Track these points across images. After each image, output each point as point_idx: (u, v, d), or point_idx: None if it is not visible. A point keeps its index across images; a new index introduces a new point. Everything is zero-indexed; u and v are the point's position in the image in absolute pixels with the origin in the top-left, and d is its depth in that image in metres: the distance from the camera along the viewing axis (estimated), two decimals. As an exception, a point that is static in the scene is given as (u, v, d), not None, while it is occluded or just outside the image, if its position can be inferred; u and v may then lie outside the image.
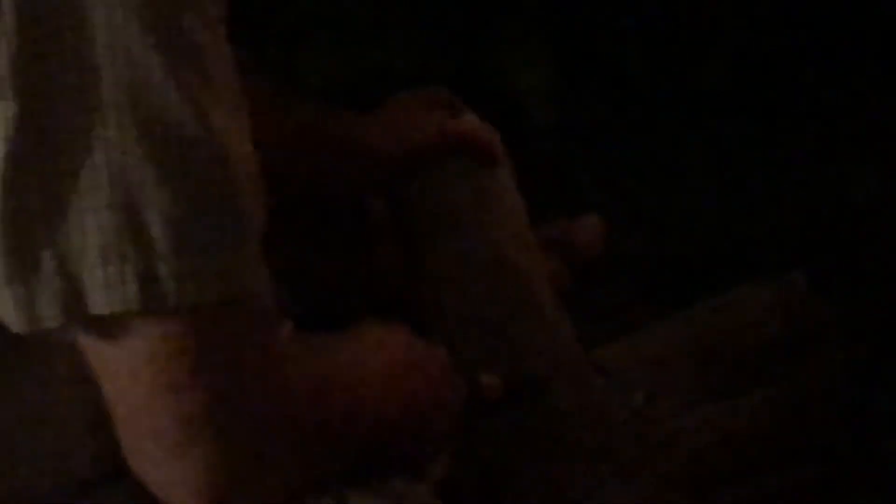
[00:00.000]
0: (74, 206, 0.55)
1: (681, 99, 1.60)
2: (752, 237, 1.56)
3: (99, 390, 0.61)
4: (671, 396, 1.16)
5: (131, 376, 0.58)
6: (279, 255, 0.70)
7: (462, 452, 0.87)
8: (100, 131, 0.55)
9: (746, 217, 1.58)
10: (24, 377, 0.67)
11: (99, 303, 0.54)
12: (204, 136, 0.58)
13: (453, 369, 0.80)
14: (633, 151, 1.60)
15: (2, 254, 0.54)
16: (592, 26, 1.65)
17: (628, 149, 1.61)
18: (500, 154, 0.92)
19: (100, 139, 0.55)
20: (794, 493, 0.94)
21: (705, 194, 1.58)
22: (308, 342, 0.75)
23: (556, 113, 1.58)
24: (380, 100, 0.91)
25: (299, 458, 0.68)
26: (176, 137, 0.58)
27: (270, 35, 1.59)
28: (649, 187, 1.62)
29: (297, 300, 0.90)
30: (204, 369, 0.58)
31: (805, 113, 1.60)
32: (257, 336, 0.62)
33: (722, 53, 1.60)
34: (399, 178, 0.92)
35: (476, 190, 0.91)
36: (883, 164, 1.60)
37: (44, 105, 0.55)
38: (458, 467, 0.85)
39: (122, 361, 0.59)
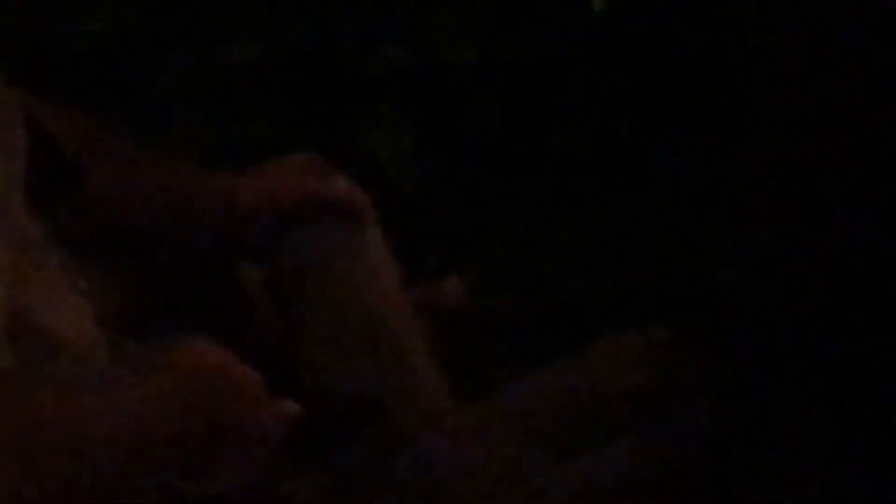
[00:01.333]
0: None
1: (541, 160, 1.63)
2: (614, 293, 1.54)
3: None
4: (540, 450, 1.21)
5: None
6: (157, 328, 0.81)
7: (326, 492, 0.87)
8: None
9: (609, 273, 1.57)
10: None
11: None
12: None
13: (268, 395, 0.78)
14: (495, 211, 1.61)
15: None
16: (453, 95, 1.66)
17: (490, 209, 1.61)
18: (370, 215, 0.93)
19: None
20: None
21: (567, 252, 1.60)
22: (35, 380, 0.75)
23: (416, 178, 1.56)
24: (253, 166, 0.94)
25: None
26: None
27: (150, 99, 1.57)
28: (510, 246, 1.60)
29: None
30: None
31: (663, 172, 1.63)
32: None
33: (578, 116, 1.64)
34: (270, 238, 0.93)
35: (347, 250, 0.92)
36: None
37: None
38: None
39: None
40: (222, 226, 0.95)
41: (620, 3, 1.66)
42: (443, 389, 0.94)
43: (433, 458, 0.93)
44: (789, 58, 1.12)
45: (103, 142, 1.02)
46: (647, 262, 1.56)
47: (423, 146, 1.62)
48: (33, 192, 0.89)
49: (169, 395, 0.74)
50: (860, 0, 1.03)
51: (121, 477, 0.73)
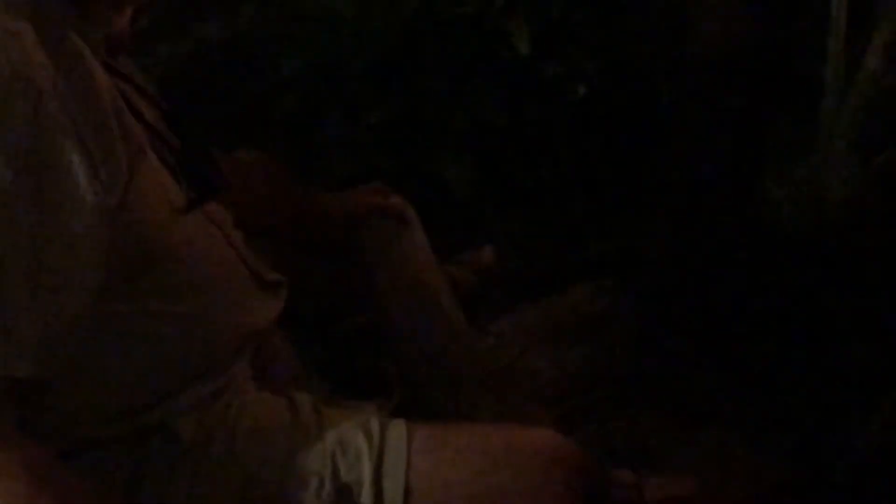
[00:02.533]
0: None
1: (543, 182, 2.20)
2: (583, 260, 2.02)
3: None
4: (531, 349, 1.68)
5: None
6: (301, 276, 1.20)
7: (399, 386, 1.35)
8: None
9: (580, 249, 2.06)
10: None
11: None
12: None
13: None
14: (514, 212, 2.15)
15: None
16: (509, 137, 2.18)
17: (512, 211, 2.15)
18: (411, 218, 1.45)
19: None
20: (603, 405, 1.64)
21: (555, 238, 2.12)
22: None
23: (471, 191, 2.10)
24: (348, 188, 1.50)
25: None
26: None
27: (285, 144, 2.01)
28: (521, 234, 2.10)
29: (306, 302, 1.30)
30: None
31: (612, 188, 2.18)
32: None
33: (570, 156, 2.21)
34: (349, 231, 1.43)
35: (399, 238, 1.42)
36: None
37: None
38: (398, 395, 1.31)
39: None
40: (340, 225, 1.46)
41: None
42: (461, 318, 1.49)
43: (458, 361, 1.46)
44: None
45: (275, 175, 1.50)
46: (602, 241, 2.05)
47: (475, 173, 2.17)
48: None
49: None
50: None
51: None
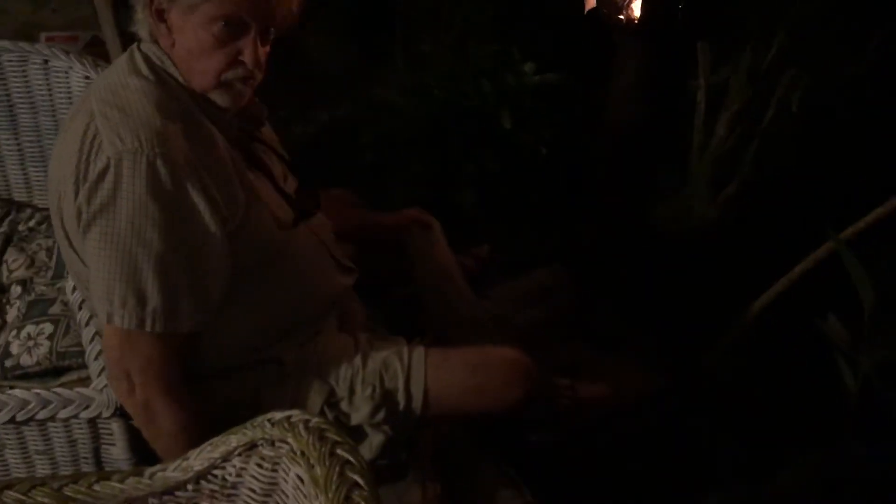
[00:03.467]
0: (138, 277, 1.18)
1: (525, 205, 2.63)
2: (549, 253, 2.35)
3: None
4: (510, 307, 2.10)
5: (109, 347, 1.26)
6: (368, 263, 1.60)
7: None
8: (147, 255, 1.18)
9: (548, 245, 2.38)
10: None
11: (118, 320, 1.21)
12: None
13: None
14: (505, 221, 2.49)
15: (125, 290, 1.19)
16: (499, 178, 2.50)
17: (503, 220, 2.49)
18: (436, 226, 1.77)
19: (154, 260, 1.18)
20: (552, 339, 2.04)
21: (531, 238, 2.56)
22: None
23: (475, 211, 2.48)
24: (399, 208, 1.81)
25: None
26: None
27: (362, 184, 2.09)
28: (510, 235, 2.40)
29: (371, 280, 1.60)
30: (128, 360, 1.24)
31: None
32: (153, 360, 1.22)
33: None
34: (399, 235, 1.75)
35: (429, 240, 1.73)
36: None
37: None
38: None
39: (111, 340, 1.25)
40: (392, 231, 1.77)
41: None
42: (468, 289, 1.77)
43: (466, 314, 1.74)
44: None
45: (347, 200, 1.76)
46: (554, 240, 2.44)
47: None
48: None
49: None
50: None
51: None
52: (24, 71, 1.81)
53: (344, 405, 1.37)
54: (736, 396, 1.93)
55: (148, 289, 1.19)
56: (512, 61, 2.54)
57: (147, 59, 1.28)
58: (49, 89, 1.82)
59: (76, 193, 1.20)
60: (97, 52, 2.30)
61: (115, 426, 1.43)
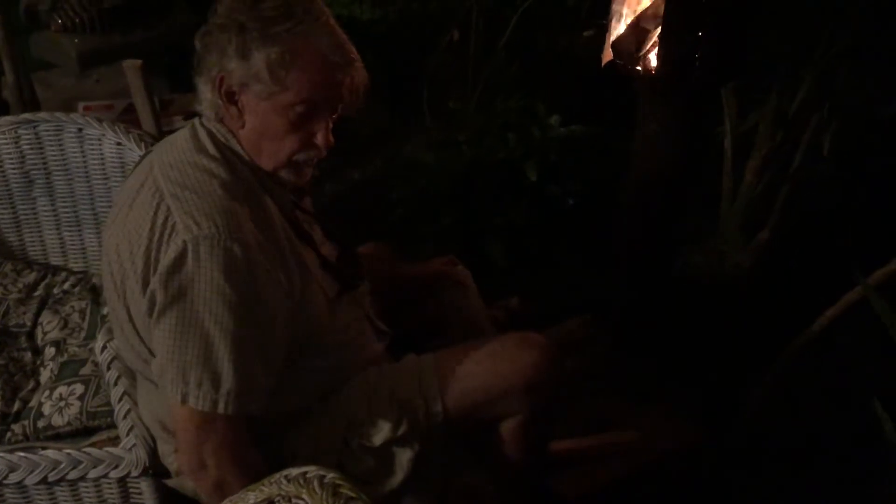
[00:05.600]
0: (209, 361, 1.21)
1: (546, 252, 2.60)
2: (576, 303, 2.35)
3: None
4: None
5: (184, 429, 1.28)
6: (401, 315, 1.62)
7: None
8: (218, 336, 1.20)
9: (576, 296, 2.41)
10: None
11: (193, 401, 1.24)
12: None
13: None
14: (533, 273, 2.56)
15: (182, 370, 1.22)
16: (527, 230, 2.53)
17: (531, 273, 2.54)
18: (469, 280, 1.73)
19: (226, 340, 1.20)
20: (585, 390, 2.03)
21: (558, 290, 2.57)
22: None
23: (505, 262, 2.53)
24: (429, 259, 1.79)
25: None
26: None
27: (395, 238, 2.01)
28: (538, 288, 2.42)
29: (402, 330, 1.61)
30: (202, 441, 1.26)
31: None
32: (222, 439, 1.24)
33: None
34: (432, 286, 1.70)
35: (463, 295, 1.71)
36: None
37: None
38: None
39: (187, 422, 1.27)
40: (421, 283, 1.73)
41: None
42: (493, 332, 1.70)
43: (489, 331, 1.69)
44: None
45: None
46: (585, 292, 2.47)
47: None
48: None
49: None
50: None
51: None
52: (59, 140, 1.87)
53: (366, 427, 1.39)
54: (770, 447, 1.95)
55: (224, 371, 1.22)
56: (537, 115, 2.61)
57: (212, 137, 1.31)
58: (84, 156, 1.88)
59: (146, 275, 1.23)
60: (129, 119, 2.37)
61: (145, 485, 1.46)
